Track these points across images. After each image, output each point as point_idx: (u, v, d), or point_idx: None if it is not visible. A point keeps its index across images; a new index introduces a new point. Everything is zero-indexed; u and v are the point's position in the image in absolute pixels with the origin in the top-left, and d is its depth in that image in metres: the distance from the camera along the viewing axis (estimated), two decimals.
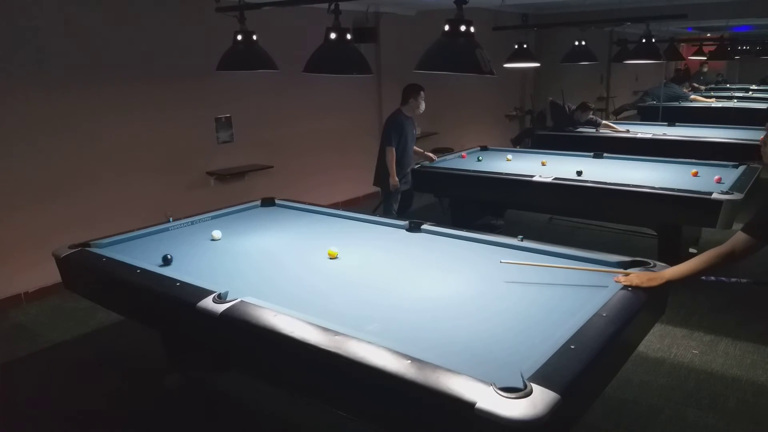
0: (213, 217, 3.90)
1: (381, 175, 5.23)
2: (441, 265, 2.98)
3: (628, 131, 7.29)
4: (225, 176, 5.87)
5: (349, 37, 3.33)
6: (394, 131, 5.07)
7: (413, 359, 1.86)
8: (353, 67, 3.45)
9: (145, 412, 3.17)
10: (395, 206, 5.26)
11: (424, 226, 3.49)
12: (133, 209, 5.11)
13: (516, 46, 6.02)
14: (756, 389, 3.21)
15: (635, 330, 2.36)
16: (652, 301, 2.44)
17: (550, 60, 8.19)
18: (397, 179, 5.09)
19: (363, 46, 6.22)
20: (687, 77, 11.99)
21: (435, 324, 2.30)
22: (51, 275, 3.69)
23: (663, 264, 2.70)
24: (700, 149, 6.34)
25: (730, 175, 4.77)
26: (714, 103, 10.07)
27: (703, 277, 2.89)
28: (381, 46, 7.38)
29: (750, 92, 12.34)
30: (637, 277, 2.47)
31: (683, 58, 12.13)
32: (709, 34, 13.01)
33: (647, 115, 9.73)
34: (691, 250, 5.01)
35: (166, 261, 2.94)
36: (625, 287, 2.43)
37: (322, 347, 2.01)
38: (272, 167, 6.25)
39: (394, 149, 5.04)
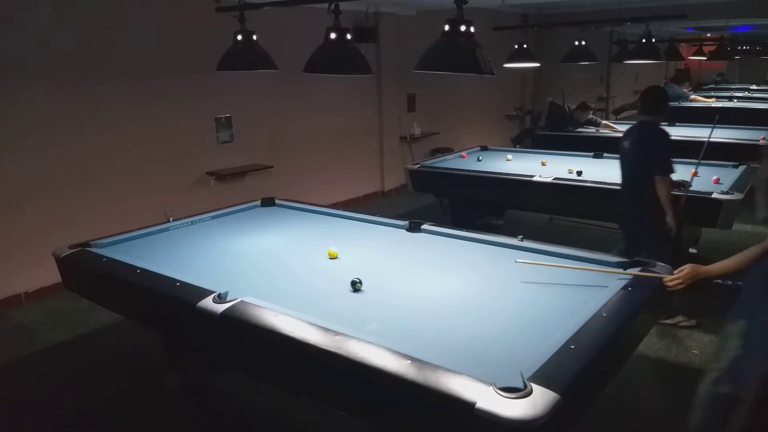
0: (213, 217, 3.90)
1: (642, 216, 3.82)
2: (441, 265, 2.98)
3: None
4: (225, 176, 5.88)
5: (349, 37, 3.33)
6: (669, 151, 3.72)
7: (413, 359, 1.86)
8: (353, 67, 3.45)
9: (145, 412, 3.17)
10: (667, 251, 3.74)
11: (424, 226, 3.49)
12: (133, 209, 5.11)
13: (516, 46, 6.02)
14: None
15: (635, 330, 2.36)
16: (652, 301, 2.44)
17: (550, 60, 8.20)
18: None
19: (363, 46, 6.22)
20: (687, 77, 11.99)
21: (435, 324, 2.30)
22: (51, 275, 3.69)
23: (663, 264, 2.70)
24: (700, 149, 6.33)
25: (730, 175, 4.77)
26: (714, 103, 10.07)
27: (730, 282, 2.85)
28: (381, 46, 7.38)
29: (748, 92, 12.34)
30: (684, 277, 2.40)
31: (683, 58, 12.13)
32: (709, 34, 13.02)
33: None
34: (691, 250, 5.01)
35: (355, 285, 2.61)
36: (625, 287, 2.43)
37: (322, 347, 2.01)
38: (272, 167, 6.25)
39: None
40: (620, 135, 7.00)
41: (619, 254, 3.07)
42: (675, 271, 2.45)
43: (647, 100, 3.89)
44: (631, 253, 3.55)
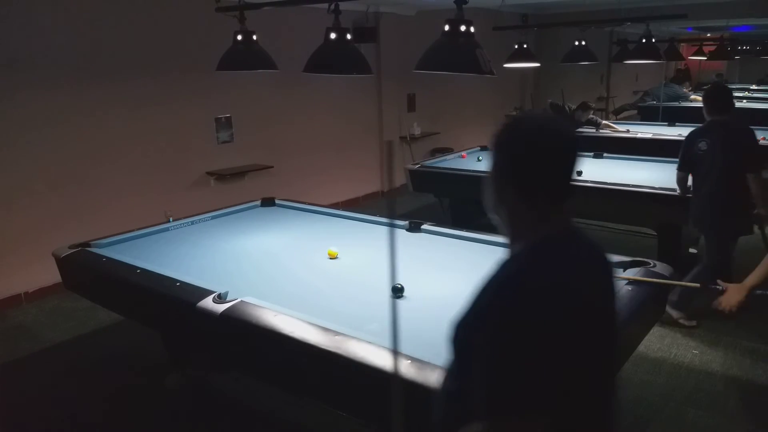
0: (213, 217, 3.90)
1: (725, 216, 3.75)
2: (441, 265, 2.98)
3: (628, 131, 7.29)
4: (225, 176, 5.87)
5: (349, 37, 3.33)
6: (760, 147, 3.84)
7: (413, 359, 1.86)
8: (353, 67, 3.45)
9: (145, 412, 3.17)
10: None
11: (424, 226, 3.49)
12: (132, 209, 5.10)
13: (516, 46, 6.02)
14: (756, 389, 3.21)
15: (635, 330, 2.36)
16: (652, 301, 2.44)
17: (550, 60, 8.19)
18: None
19: (363, 46, 6.20)
20: (687, 77, 11.99)
21: (435, 324, 2.29)
22: (51, 275, 3.69)
23: (663, 264, 2.70)
24: None
25: None
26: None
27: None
28: (381, 46, 7.37)
29: (749, 92, 12.34)
30: (726, 300, 2.31)
31: (683, 58, 12.13)
32: (709, 34, 13.01)
33: (647, 115, 9.72)
34: (691, 250, 5.00)
35: (396, 291, 2.49)
36: (630, 282, 2.43)
37: (322, 347, 2.01)
38: (272, 167, 6.25)
39: None
40: (620, 135, 7.11)
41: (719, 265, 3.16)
42: (722, 284, 2.38)
43: (722, 100, 3.81)
44: (726, 261, 3.68)
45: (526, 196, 1.21)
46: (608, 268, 1.30)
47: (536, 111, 1.17)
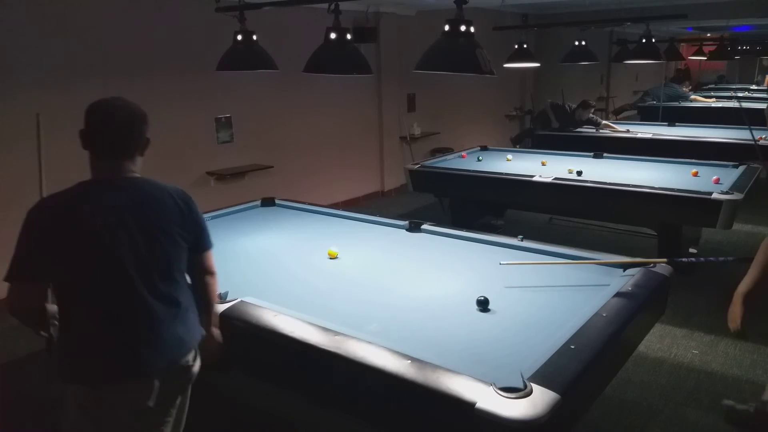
0: (213, 217, 3.90)
1: None
2: (441, 265, 2.98)
3: (628, 131, 7.30)
4: (225, 176, 5.87)
5: (349, 37, 3.33)
6: None
7: (413, 359, 1.86)
8: (353, 67, 3.45)
9: None
10: None
11: (424, 226, 3.49)
12: None
13: (516, 46, 6.02)
14: (756, 389, 3.21)
15: (635, 330, 2.36)
16: (652, 301, 2.44)
17: (550, 60, 8.20)
18: None
19: (363, 46, 6.21)
20: (687, 77, 11.99)
21: (435, 324, 2.30)
22: None
23: (663, 264, 2.69)
24: (700, 149, 6.34)
25: (730, 175, 4.77)
26: (714, 103, 10.07)
27: (703, 259, 2.82)
28: (381, 46, 7.38)
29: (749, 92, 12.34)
30: (732, 314, 2.28)
31: (683, 58, 12.13)
32: (709, 34, 13.01)
33: (647, 115, 9.73)
34: (691, 250, 5.00)
35: (482, 304, 2.42)
36: (626, 287, 2.43)
37: (322, 347, 2.01)
38: (272, 167, 6.25)
39: None
40: (620, 135, 7.10)
41: None
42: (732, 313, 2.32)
43: None
44: None
45: (88, 149, 1.88)
46: (127, 209, 1.82)
47: (115, 96, 2.17)
